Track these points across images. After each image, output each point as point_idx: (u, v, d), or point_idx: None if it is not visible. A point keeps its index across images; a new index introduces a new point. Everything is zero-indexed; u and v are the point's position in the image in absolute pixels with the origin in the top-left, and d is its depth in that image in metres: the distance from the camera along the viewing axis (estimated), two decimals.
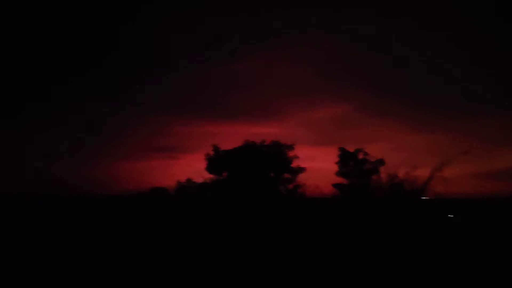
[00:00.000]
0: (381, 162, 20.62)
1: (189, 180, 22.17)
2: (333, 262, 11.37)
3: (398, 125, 34.33)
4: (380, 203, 14.73)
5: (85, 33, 33.60)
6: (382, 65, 34.24)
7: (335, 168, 21.59)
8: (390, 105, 34.38)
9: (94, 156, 32.84)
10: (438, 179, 14.55)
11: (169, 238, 13.84)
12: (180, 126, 35.15)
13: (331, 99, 35.98)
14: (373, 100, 35.29)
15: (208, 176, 22.06)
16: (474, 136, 32.52)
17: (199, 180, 21.97)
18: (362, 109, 35.98)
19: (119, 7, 33.13)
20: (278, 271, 10.99)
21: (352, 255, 11.55)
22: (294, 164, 22.16)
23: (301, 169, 22.08)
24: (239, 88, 37.00)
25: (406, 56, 33.86)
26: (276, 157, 22.10)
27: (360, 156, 21.50)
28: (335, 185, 21.30)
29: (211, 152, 22.34)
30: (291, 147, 22.36)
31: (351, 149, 21.85)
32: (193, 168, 22.45)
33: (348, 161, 21.61)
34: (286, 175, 22.12)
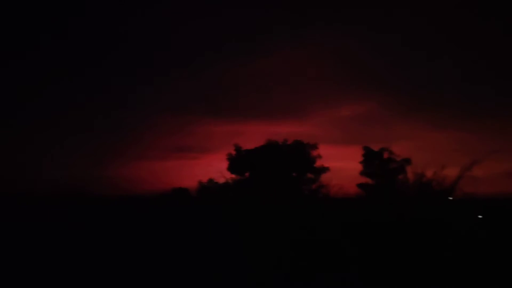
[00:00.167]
0: (407, 161, 20.29)
1: (210, 180, 22.16)
2: (358, 263, 11.19)
3: (425, 123, 33.75)
4: (407, 203, 14.40)
5: (102, 30, 33.96)
6: (408, 62, 33.74)
7: (360, 167, 21.36)
8: (416, 102, 33.83)
9: (114, 156, 33.20)
10: (468, 179, 14.13)
11: (191, 239, 13.80)
12: (202, 126, 35.29)
13: (355, 97, 35.63)
14: (398, 98, 34.83)
15: (230, 176, 22.03)
16: (506, 134, 31.74)
17: (221, 180, 21.94)
18: (387, 107, 35.54)
19: (138, 5, 33.39)
20: (302, 273, 10.87)
21: (379, 257, 11.34)
22: (317, 163, 21.97)
23: (324, 169, 21.87)
24: (261, 87, 36.93)
25: (434, 52, 33.32)
26: (298, 157, 21.91)
27: (385, 155, 21.21)
28: (360, 185, 21.06)
29: (233, 152, 22.30)
30: (314, 146, 22.15)
31: (375, 148, 21.58)
32: (214, 168, 22.48)
33: (373, 161, 21.33)
34: (309, 175, 21.93)
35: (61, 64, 34.53)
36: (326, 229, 13.54)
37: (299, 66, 36.92)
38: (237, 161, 22.17)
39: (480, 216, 15.36)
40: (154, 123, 36.40)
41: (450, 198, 14.49)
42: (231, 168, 22.10)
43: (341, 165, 24.47)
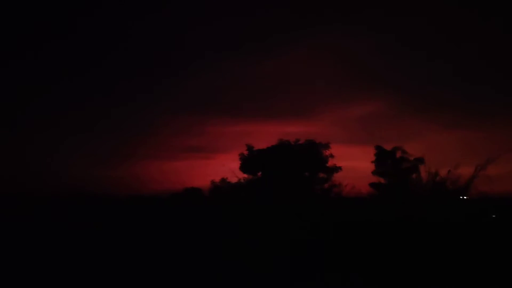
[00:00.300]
0: (420, 160, 20.21)
1: (223, 180, 22.26)
2: (372, 263, 11.21)
3: (438, 122, 33.57)
4: (421, 203, 14.40)
5: (113, 30, 34.22)
6: (420, 60, 33.58)
7: (372, 167, 21.32)
8: (429, 101, 33.66)
9: (126, 156, 33.44)
10: (482, 178, 14.11)
11: (203, 239, 13.90)
12: (214, 126, 35.41)
13: (368, 96, 35.55)
14: (411, 97, 34.68)
15: (242, 175, 22.11)
16: None
17: (233, 180, 22.03)
18: (400, 106, 35.43)
19: (148, 5, 33.59)
20: (313, 272, 10.91)
21: (392, 257, 11.35)
22: (330, 163, 21.97)
23: (336, 168, 21.85)
24: (273, 87, 36.99)
25: (445, 49, 33.13)
26: (311, 156, 21.92)
27: (398, 154, 21.14)
28: (372, 185, 21.02)
29: (245, 152, 22.37)
30: (326, 146, 22.13)
31: (388, 147, 21.53)
32: (227, 167, 22.51)
33: (386, 160, 21.27)
34: (322, 175, 21.93)
35: (72, 63, 34.89)
36: (338, 228, 13.58)
37: (311, 66, 36.94)
38: (249, 160, 22.23)
39: (494, 216, 15.31)
40: (166, 123, 36.65)
41: (465, 197, 14.47)
42: (243, 168, 22.17)
43: (353, 165, 24.45)
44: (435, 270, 10.69)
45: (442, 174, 14.88)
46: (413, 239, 11.74)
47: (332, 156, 22.07)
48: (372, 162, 21.43)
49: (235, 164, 22.23)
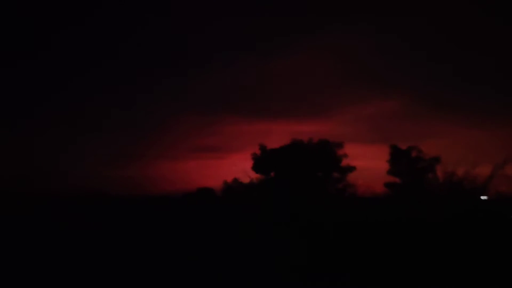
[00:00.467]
0: (436, 159, 20.01)
1: (235, 180, 22.26)
2: (386, 264, 11.12)
3: (455, 120, 33.19)
4: (437, 203, 14.22)
5: (124, 29, 34.39)
6: (435, 56, 33.24)
7: (387, 166, 21.16)
8: (446, 100, 33.29)
9: (138, 156, 33.59)
10: (500, 178, 13.89)
11: (217, 239, 13.90)
12: (227, 125, 35.43)
13: (381, 94, 35.25)
14: (426, 95, 34.32)
15: (254, 175, 22.09)
16: None
17: (246, 180, 22.02)
18: (415, 104, 35.10)
19: (158, 5, 33.71)
20: (327, 272, 10.86)
21: (407, 257, 11.24)
22: (344, 162, 21.85)
23: (350, 168, 21.73)
24: (286, 86, 36.88)
25: (465, 48, 32.74)
26: (324, 156, 21.83)
27: (413, 153, 20.96)
28: (387, 184, 20.87)
29: (258, 151, 22.34)
30: (340, 145, 22.03)
31: (403, 146, 21.36)
32: (239, 167, 22.54)
33: (401, 159, 21.10)
34: (335, 174, 21.83)
35: (84, 62, 35.16)
36: (351, 229, 13.49)
37: (324, 65, 36.75)
38: (262, 160, 22.20)
39: None
40: (178, 122, 36.74)
41: (483, 197, 14.27)
42: (256, 168, 22.15)
43: (367, 164, 24.29)
44: (453, 270, 10.56)
45: (459, 173, 14.68)
46: (429, 239, 11.61)
47: (346, 155, 21.96)
48: (387, 161, 21.28)
49: (248, 164, 22.23)
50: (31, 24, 32.92)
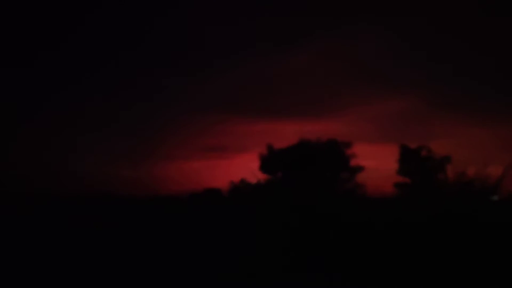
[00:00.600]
0: (446, 159, 19.95)
1: (242, 181, 22.30)
2: (396, 266, 11.08)
3: (465, 119, 32.98)
4: (447, 203, 14.14)
5: (133, 28, 34.55)
6: (446, 53, 33.04)
7: (396, 166, 21.13)
8: (456, 97, 33.07)
9: (145, 157, 33.70)
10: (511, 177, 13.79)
11: (223, 240, 13.91)
12: (233, 125, 35.44)
13: (390, 94, 35.09)
14: (436, 93, 34.11)
15: (262, 176, 22.12)
16: None
17: (253, 180, 22.05)
18: (425, 102, 34.88)
19: (166, 4, 33.83)
20: (336, 273, 10.84)
21: (417, 260, 11.19)
22: (352, 162, 21.83)
23: (359, 168, 21.71)
24: (293, 84, 36.83)
25: (474, 46, 32.53)
26: (333, 156, 21.81)
27: (423, 153, 20.91)
28: (397, 185, 20.83)
29: (265, 151, 22.37)
30: (348, 145, 22.01)
31: (413, 146, 21.31)
32: (246, 168, 22.55)
33: (410, 159, 21.06)
34: (344, 175, 21.81)
35: (90, 61, 35.33)
36: (361, 229, 13.45)
37: (332, 64, 36.66)
38: (270, 160, 22.22)
39: None
40: (185, 122, 36.79)
41: (495, 198, 14.18)
42: (263, 168, 22.18)
43: (376, 164, 24.14)
44: (463, 271, 10.51)
45: (470, 173, 14.59)
46: (440, 240, 11.55)
47: (354, 155, 21.94)
48: (396, 161, 21.24)
49: (255, 164, 22.26)
50: (33, 24, 33.17)
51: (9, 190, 21.31)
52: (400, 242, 11.83)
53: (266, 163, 22.20)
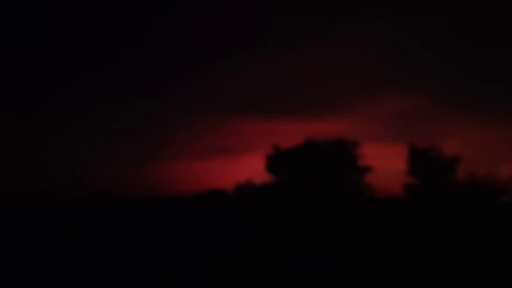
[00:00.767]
0: (456, 159, 19.90)
1: (248, 181, 22.31)
2: (406, 268, 11.11)
3: (476, 119, 32.87)
4: (457, 204, 14.17)
5: (138, 28, 34.67)
6: (457, 55, 32.95)
7: (405, 166, 21.08)
8: (466, 96, 32.98)
9: (149, 157, 33.76)
10: None
11: (228, 241, 13.95)
12: (239, 125, 35.45)
13: (399, 92, 35.02)
14: (446, 92, 34.01)
15: (268, 176, 22.11)
16: None
17: (259, 181, 22.06)
18: (435, 101, 34.77)
19: (173, 3, 33.95)
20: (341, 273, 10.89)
21: (427, 261, 11.22)
22: (360, 162, 21.78)
23: (367, 168, 21.66)
24: (300, 85, 36.81)
25: (485, 44, 32.41)
26: (340, 156, 21.79)
27: (433, 153, 20.87)
28: (406, 185, 20.79)
29: (271, 151, 22.36)
30: (356, 145, 21.97)
31: (422, 145, 21.27)
32: (252, 168, 22.56)
33: (419, 159, 21.02)
34: (352, 175, 21.77)
35: (95, 61, 35.44)
36: (368, 230, 13.48)
37: (339, 63, 36.62)
38: (276, 161, 22.21)
39: None
40: (190, 122, 36.82)
41: (505, 198, 14.19)
42: (269, 168, 22.18)
43: (385, 164, 24.08)
44: (471, 271, 10.54)
45: (480, 173, 14.61)
46: (450, 239, 11.59)
47: (362, 155, 21.89)
48: (405, 161, 21.19)
49: (261, 164, 22.25)
50: (33, 23, 33.35)
51: (9, 190, 21.41)
52: (409, 242, 11.86)
53: (272, 163, 22.19)
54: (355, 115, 35.38)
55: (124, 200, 22.76)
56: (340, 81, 36.90)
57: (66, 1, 33.08)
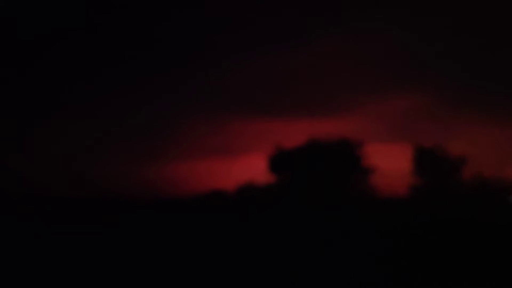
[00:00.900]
0: (462, 159, 19.83)
1: (249, 182, 22.25)
2: (410, 273, 11.05)
3: (482, 118, 32.73)
4: (463, 205, 14.10)
5: (143, 30, 34.69)
6: (461, 48, 32.81)
7: (410, 167, 21.00)
8: (473, 94, 32.84)
9: (152, 158, 33.74)
10: None
11: (230, 244, 13.91)
12: (240, 126, 35.39)
13: (404, 90, 34.91)
14: (452, 90, 33.88)
15: (270, 177, 22.05)
16: None
17: (261, 181, 22.00)
18: (440, 100, 34.65)
19: (175, 6, 33.93)
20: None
21: (433, 263, 11.16)
22: (364, 163, 21.71)
23: (371, 169, 21.59)
24: (302, 84, 36.73)
25: (492, 42, 32.26)
26: (343, 156, 21.73)
27: (439, 153, 20.80)
28: (410, 186, 20.71)
29: (273, 152, 22.31)
30: (360, 145, 21.91)
31: (427, 145, 21.20)
32: (254, 168, 22.50)
33: (425, 159, 20.95)
34: (355, 176, 21.70)
35: (100, 61, 35.46)
36: (374, 233, 13.42)
37: (342, 62, 36.52)
38: (278, 161, 22.17)
39: None
40: (193, 123, 36.82)
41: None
42: (271, 169, 22.13)
43: (389, 164, 24.02)
44: (479, 274, 10.47)
45: (487, 173, 14.53)
46: (456, 241, 11.52)
47: (366, 155, 21.82)
48: (410, 161, 21.12)
49: (262, 165, 22.19)
50: (33, 24, 33.37)
51: (9, 190, 21.42)
52: (414, 243, 11.80)
53: (274, 164, 22.14)
54: (359, 114, 35.29)
55: (124, 200, 22.74)
56: (343, 80, 36.82)
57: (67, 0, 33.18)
